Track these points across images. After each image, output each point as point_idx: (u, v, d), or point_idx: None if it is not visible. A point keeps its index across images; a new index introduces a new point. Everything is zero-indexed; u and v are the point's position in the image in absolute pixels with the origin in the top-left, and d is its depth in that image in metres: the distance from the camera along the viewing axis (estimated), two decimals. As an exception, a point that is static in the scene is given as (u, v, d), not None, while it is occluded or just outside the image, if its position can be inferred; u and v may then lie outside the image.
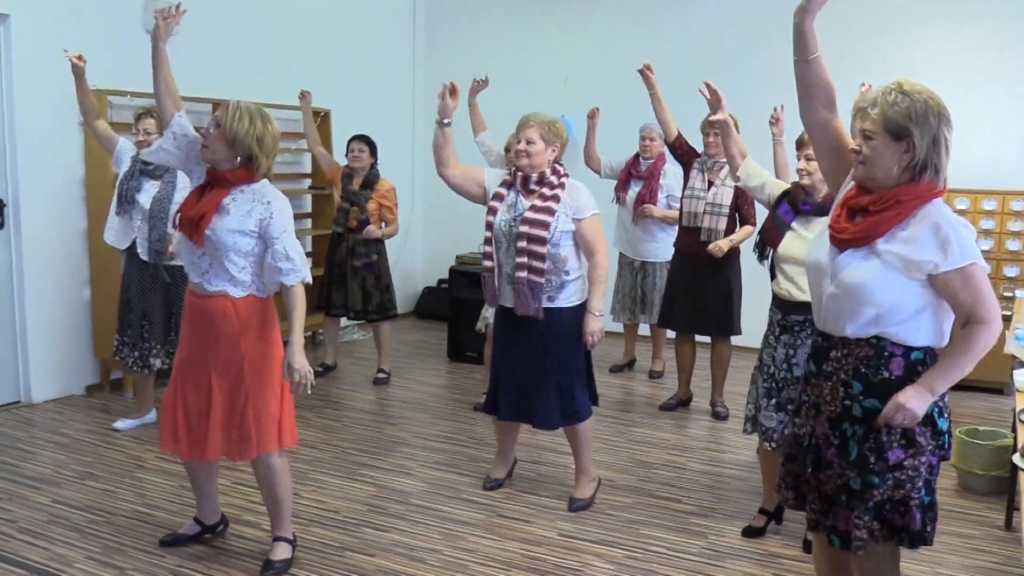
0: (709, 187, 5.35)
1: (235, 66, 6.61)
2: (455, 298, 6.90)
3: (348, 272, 6.08)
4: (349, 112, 7.55)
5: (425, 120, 8.70)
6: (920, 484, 2.38)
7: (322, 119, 7.19)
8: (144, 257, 4.89)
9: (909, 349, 2.36)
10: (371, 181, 6.04)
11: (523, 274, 3.85)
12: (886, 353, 2.36)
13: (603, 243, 3.96)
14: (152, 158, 3.41)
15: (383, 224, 6.09)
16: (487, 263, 4.01)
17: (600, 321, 3.92)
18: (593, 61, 7.88)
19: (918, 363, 2.37)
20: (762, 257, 3.80)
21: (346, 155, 6.16)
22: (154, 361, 4.98)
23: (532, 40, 8.14)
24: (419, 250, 8.84)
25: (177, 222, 3.26)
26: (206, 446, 3.28)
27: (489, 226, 3.98)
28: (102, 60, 5.60)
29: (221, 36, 6.48)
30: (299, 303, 3.14)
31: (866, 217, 2.36)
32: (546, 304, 3.93)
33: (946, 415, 2.43)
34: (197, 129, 3.41)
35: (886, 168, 2.32)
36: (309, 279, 3.21)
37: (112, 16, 5.72)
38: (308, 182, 7.38)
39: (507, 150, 5.35)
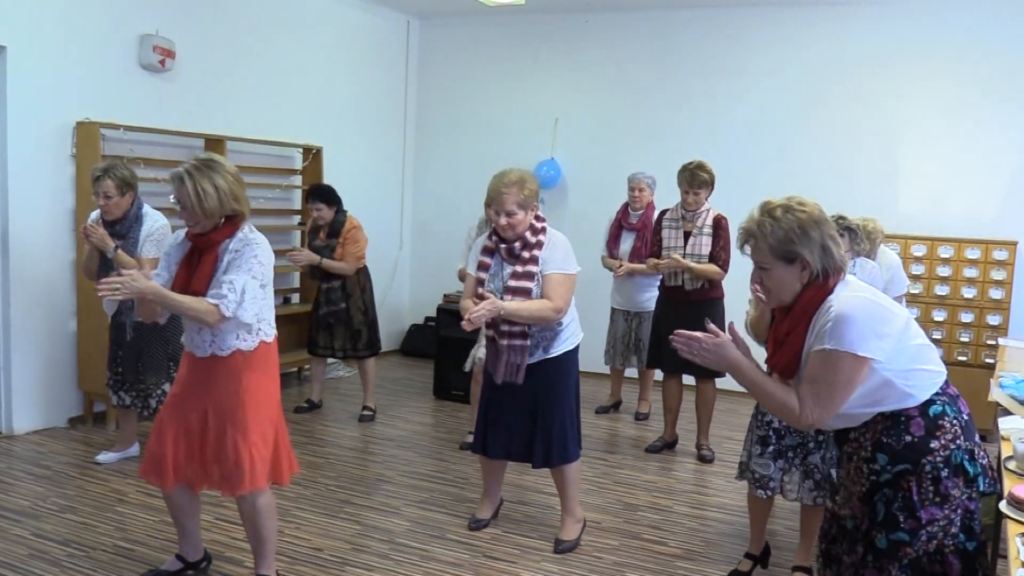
0: (687, 239, 5.35)
1: (228, 103, 6.64)
2: (442, 336, 6.87)
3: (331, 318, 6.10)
4: (340, 150, 7.60)
5: (415, 159, 8.75)
6: (954, 531, 2.35)
7: (313, 156, 7.23)
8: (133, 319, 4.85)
9: (926, 405, 2.38)
10: (336, 229, 6.00)
11: (505, 341, 3.83)
12: (903, 418, 2.38)
13: (561, 300, 3.79)
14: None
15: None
16: (487, 331, 3.97)
17: (494, 311, 3.65)
18: (583, 104, 7.95)
19: (938, 417, 2.37)
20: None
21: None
22: (152, 402, 4.93)
23: (523, 82, 8.20)
24: (406, 288, 8.82)
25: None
26: (196, 478, 3.26)
27: (480, 296, 3.87)
28: (96, 94, 5.66)
29: (214, 73, 6.51)
30: (198, 305, 3.10)
31: (779, 349, 2.46)
32: (540, 357, 3.91)
33: (978, 456, 2.41)
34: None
35: (791, 290, 2.42)
36: (243, 319, 3.16)
37: (108, 50, 5.74)
38: (297, 218, 7.39)
39: (487, 204, 5.23)
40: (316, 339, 6.21)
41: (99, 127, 5.54)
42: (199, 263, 3.23)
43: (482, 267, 3.95)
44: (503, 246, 3.90)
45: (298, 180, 7.32)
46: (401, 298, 8.78)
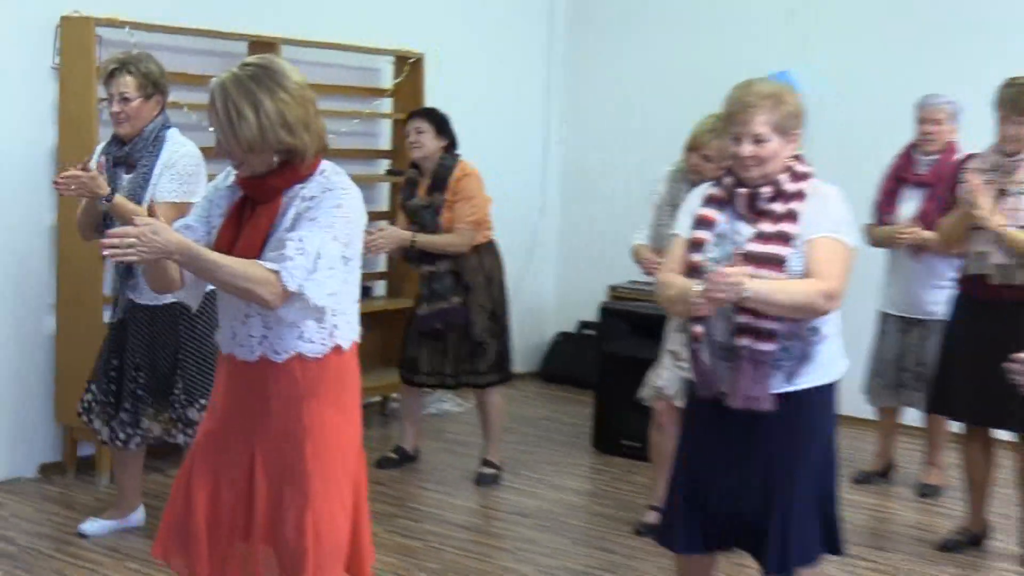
0: (1003, 198, 5.20)
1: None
2: (607, 353, 6.84)
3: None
4: (451, 61, 7.67)
5: (567, 76, 8.79)
6: None
7: (410, 69, 7.28)
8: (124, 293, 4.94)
9: None
10: (442, 177, 6.04)
11: (745, 341, 3.75)
12: None
13: (836, 279, 3.74)
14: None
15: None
16: (696, 327, 3.88)
17: (736, 290, 3.57)
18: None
19: None
20: None
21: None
22: (145, 427, 4.98)
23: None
24: (549, 276, 8.90)
25: None
26: (237, 561, 3.31)
27: (694, 268, 3.87)
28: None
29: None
30: (248, 271, 3.11)
31: None
32: (784, 388, 3.81)
33: None
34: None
35: None
36: (311, 298, 3.15)
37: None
38: (386, 164, 7.45)
39: (691, 148, 5.29)
40: (415, 357, 6.20)
41: (94, 23, 5.62)
42: (251, 217, 3.28)
43: (703, 224, 3.89)
44: (741, 192, 3.82)
45: (387, 105, 7.36)
46: (542, 292, 8.82)
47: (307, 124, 3.22)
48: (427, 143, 6.04)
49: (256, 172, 3.24)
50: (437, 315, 6.03)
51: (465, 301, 6.05)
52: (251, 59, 3.31)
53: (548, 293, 8.84)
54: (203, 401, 4.86)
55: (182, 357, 4.95)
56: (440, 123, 6.08)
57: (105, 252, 3.04)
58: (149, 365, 4.97)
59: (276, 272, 3.10)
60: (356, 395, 3.43)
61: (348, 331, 3.35)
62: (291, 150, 3.21)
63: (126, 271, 4.87)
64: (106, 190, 4.56)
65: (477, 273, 6.09)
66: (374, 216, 7.17)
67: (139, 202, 4.70)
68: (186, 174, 4.77)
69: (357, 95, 7.21)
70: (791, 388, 3.81)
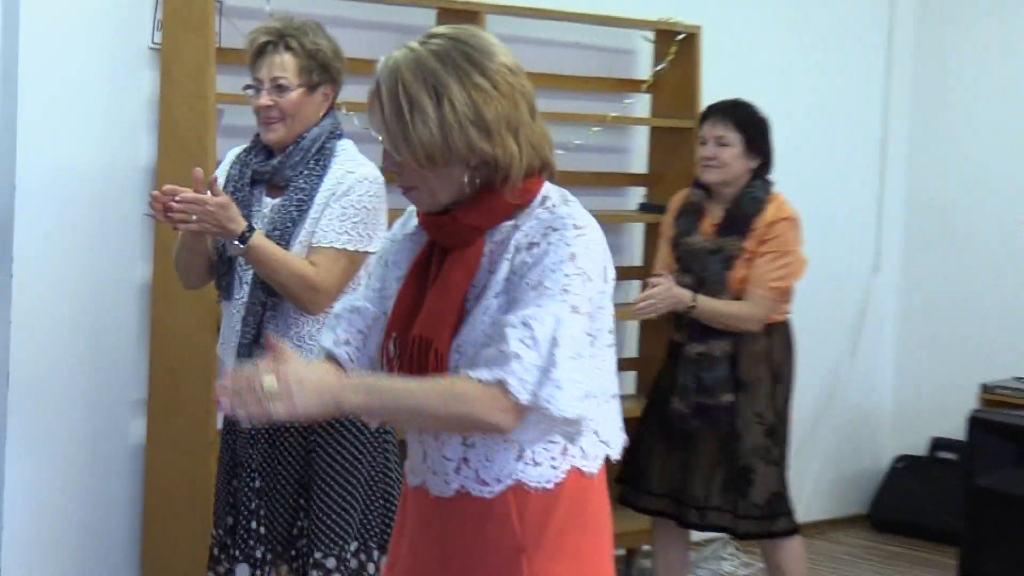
0: None
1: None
2: (979, 488, 6.77)
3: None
4: (739, 38, 7.92)
5: (914, 66, 8.96)
6: None
7: (680, 48, 7.28)
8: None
9: None
10: (746, 214, 6.05)
11: None
12: None
13: None
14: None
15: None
16: None
17: None
18: None
19: None
20: None
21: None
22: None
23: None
24: (886, 369, 9.01)
25: (390, 347, 3.29)
26: None
27: None
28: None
29: None
30: (460, 388, 3.03)
31: None
32: None
33: None
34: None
35: None
36: (556, 410, 3.00)
37: None
38: (640, 195, 7.43)
39: None
40: (646, 469, 6.24)
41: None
42: (439, 274, 3.18)
43: None
44: None
45: (642, 105, 7.41)
46: (875, 392, 8.96)
47: (515, 126, 3.09)
48: (732, 162, 5.99)
49: (439, 202, 3.13)
50: (698, 412, 5.98)
51: (738, 400, 5.97)
52: (440, 29, 3.20)
53: (883, 394, 8.90)
54: (337, 554, 4.85)
55: (310, 484, 4.85)
56: (755, 131, 6.03)
57: (223, 405, 2.92)
58: (268, 491, 4.89)
59: (500, 381, 2.97)
60: (605, 544, 3.30)
61: (592, 445, 3.17)
62: (490, 164, 3.07)
63: (251, 344, 4.82)
64: (242, 225, 4.48)
65: (759, 364, 6.02)
66: (622, 269, 7.03)
67: (287, 243, 4.72)
68: (363, 209, 4.69)
69: (596, 90, 7.31)
70: None
